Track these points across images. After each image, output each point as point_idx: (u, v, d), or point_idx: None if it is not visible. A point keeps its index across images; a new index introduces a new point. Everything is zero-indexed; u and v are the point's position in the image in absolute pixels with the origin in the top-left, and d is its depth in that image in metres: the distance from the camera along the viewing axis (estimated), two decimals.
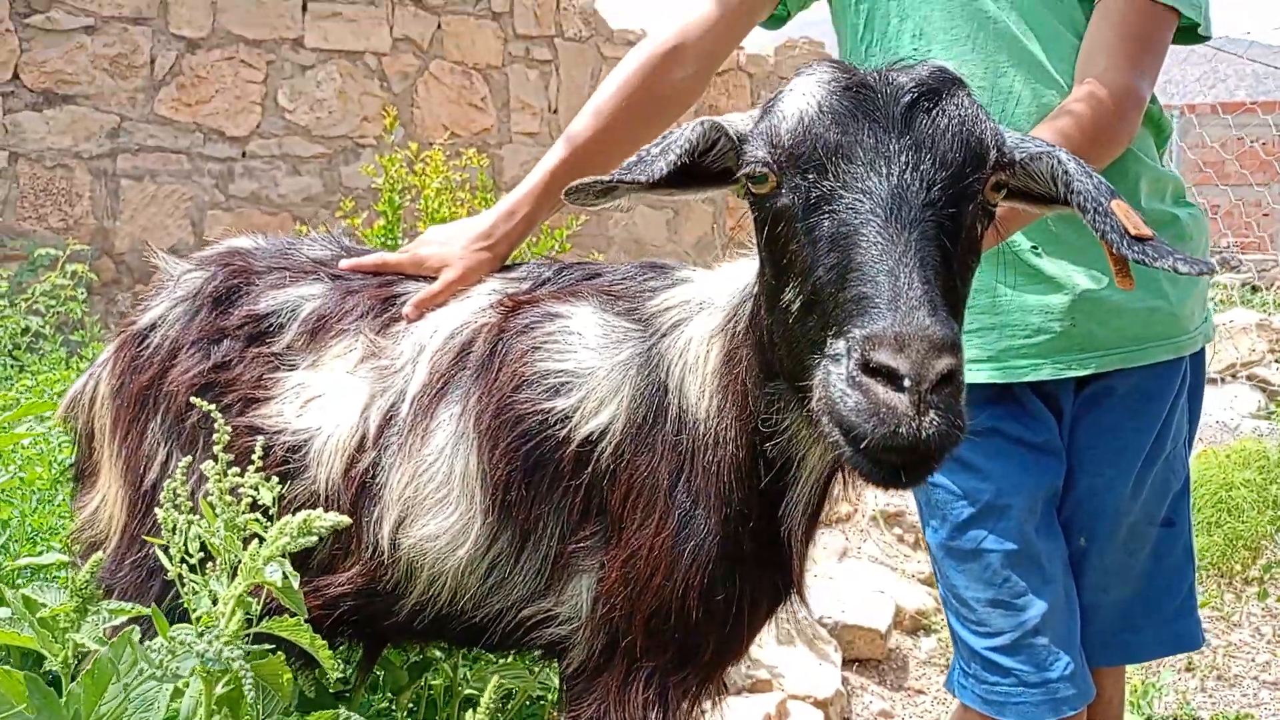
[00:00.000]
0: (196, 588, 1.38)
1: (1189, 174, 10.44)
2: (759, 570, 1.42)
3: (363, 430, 1.54)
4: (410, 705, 2.06)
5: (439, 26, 7.00)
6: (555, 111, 7.39)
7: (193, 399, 1.41)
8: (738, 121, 1.27)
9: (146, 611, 1.45)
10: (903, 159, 1.10)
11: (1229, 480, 4.06)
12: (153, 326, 1.71)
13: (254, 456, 1.41)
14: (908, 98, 1.13)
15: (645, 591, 1.40)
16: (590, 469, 1.44)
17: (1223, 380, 6.36)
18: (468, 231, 1.69)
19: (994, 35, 1.67)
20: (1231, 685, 3.22)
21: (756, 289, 1.30)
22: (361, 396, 1.56)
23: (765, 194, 1.17)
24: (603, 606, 1.45)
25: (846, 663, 3.28)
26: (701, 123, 1.25)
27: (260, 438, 1.47)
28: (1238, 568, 3.88)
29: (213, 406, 1.39)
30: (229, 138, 6.39)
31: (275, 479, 1.41)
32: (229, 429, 1.40)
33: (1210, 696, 3.16)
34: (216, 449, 1.37)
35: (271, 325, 1.66)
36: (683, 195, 1.33)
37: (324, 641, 1.35)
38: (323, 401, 1.58)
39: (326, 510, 1.46)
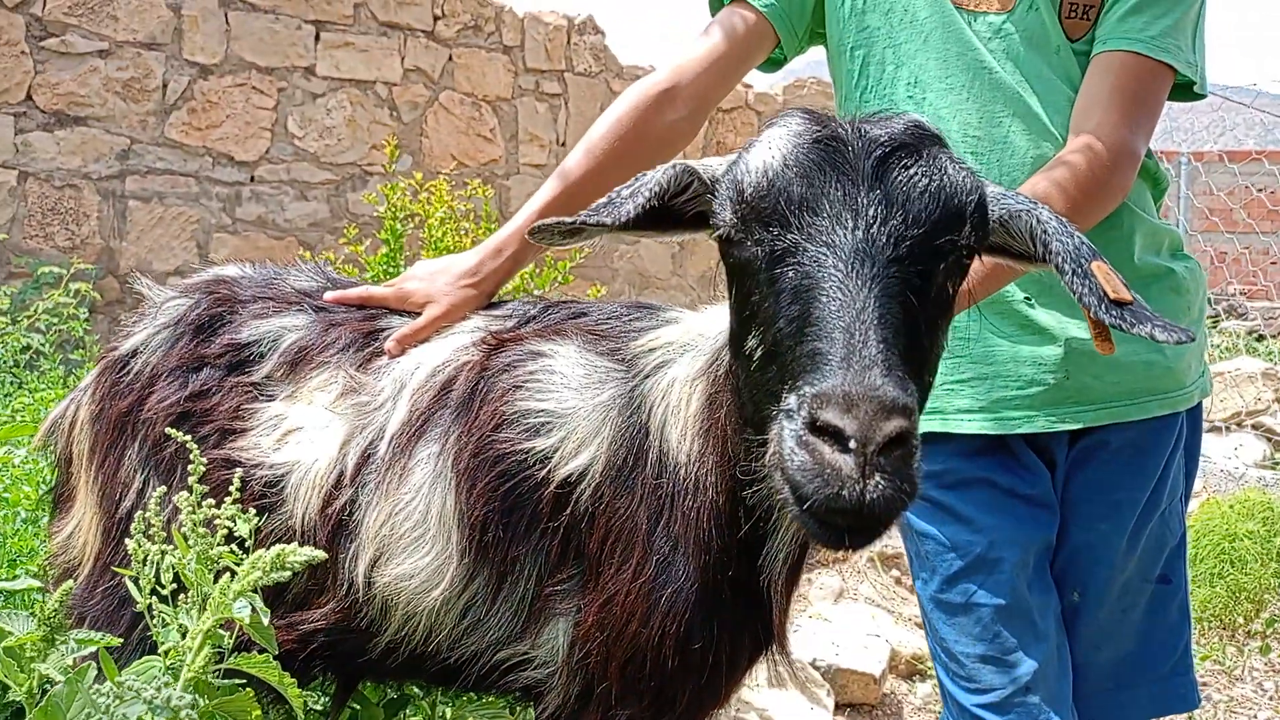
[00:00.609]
0: (166, 620, 1.35)
1: (1196, 221, 10.44)
2: (738, 620, 1.39)
3: (340, 467, 1.52)
4: None
5: (450, 58, 7.07)
6: (563, 144, 7.43)
7: (169, 430, 1.39)
8: (714, 165, 1.26)
9: (116, 642, 1.43)
10: (870, 213, 1.08)
11: (1232, 531, 4.01)
12: (134, 353, 1.70)
13: (232, 489, 1.40)
14: (880, 151, 1.11)
15: (621, 638, 1.37)
16: (569, 511, 1.42)
17: (1227, 429, 6.31)
18: (454, 268, 1.67)
19: (990, 85, 1.67)
20: (1200, 702, 3.16)
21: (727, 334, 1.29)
22: (340, 433, 1.54)
23: (731, 244, 1.16)
24: (579, 651, 1.42)
25: (839, 707, 3.23)
26: (673, 166, 1.24)
27: (238, 470, 1.45)
28: (1240, 620, 3.82)
29: (188, 438, 1.37)
30: (238, 162, 6.44)
31: (253, 512, 1.39)
32: (205, 460, 1.39)
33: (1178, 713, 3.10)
34: (191, 480, 1.35)
35: (252, 355, 1.64)
36: (658, 237, 1.32)
37: (292, 680, 1.32)
38: (300, 435, 1.56)
39: (303, 546, 1.44)
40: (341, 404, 1.57)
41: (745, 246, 1.14)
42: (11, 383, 4.48)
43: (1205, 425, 7.28)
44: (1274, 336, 9.38)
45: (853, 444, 0.94)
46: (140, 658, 1.64)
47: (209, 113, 6.26)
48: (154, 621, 1.34)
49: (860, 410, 0.94)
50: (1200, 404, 1.83)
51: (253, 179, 6.59)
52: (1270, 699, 3.38)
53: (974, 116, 1.67)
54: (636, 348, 1.49)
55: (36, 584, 1.69)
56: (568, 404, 1.45)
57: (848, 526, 0.98)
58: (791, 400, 1.02)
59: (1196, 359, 1.80)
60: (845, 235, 1.06)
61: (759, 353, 1.12)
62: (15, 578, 1.95)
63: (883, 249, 1.06)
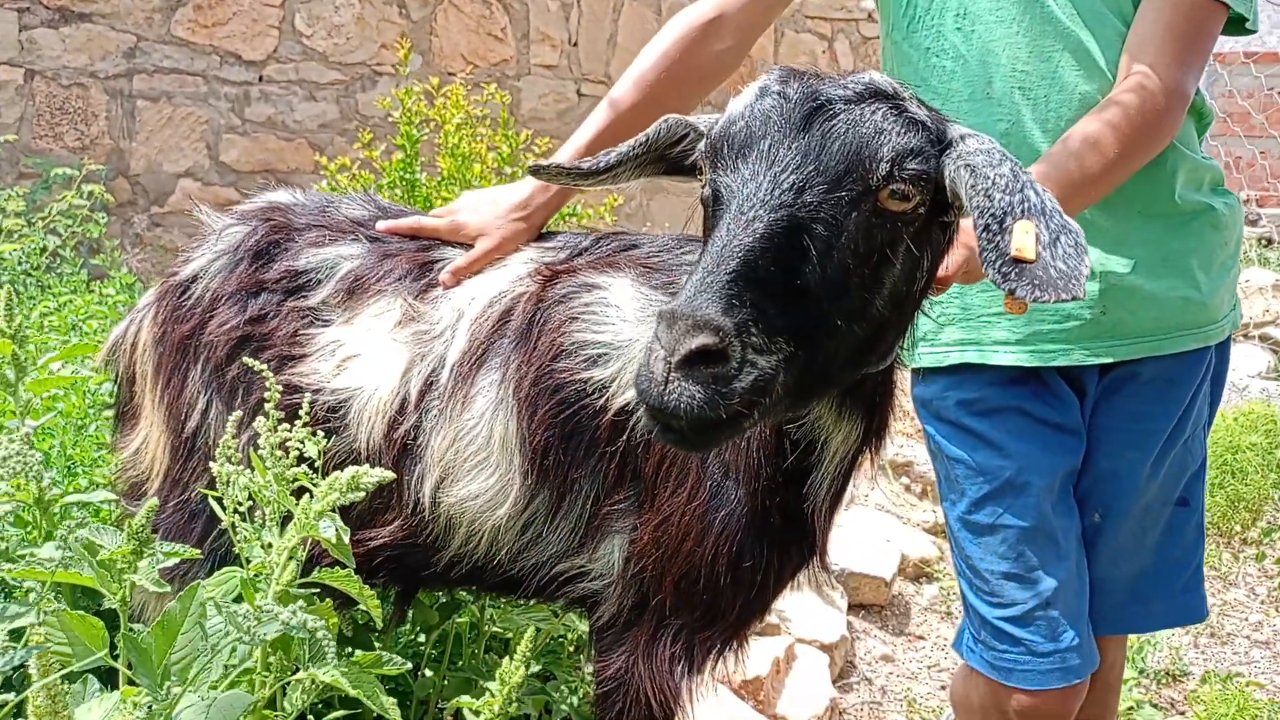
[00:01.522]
0: (248, 536, 1.44)
1: (1214, 124, 10.28)
2: (785, 540, 1.48)
3: (404, 393, 1.59)
4: (437, 641, 2.15)
5: None
6: (575, 45, 7.28)
7: (246, 359, 1.45)
8: (711, 118, 1.32)
9: (198, 554, 1.53)
10: (784, 162, 1.15)
11: (1235, 443, 4.12)
12: (194, 278, 1.75)
13: (301, 413, 1.47)
14: (811, 105, 1.17)
15: (676, 555, 1.47)
16: (625, 437, 1.49)
17: (1234, 340, 6.38)
18: (503, 201, 1.71)
19: (1041, 18, 1.67)
20: (1223, 643, 3.32)
21: None
22: (401, 360, 1.60)
23: (700, 184, 1.26)
24: (634, 566, 1.51)
25: (851, 608, 3.39)
26: (665, 120, 1.34)
27: (304, 395, 1.52)
28: (1238, 529, 3.96)
29: (264, 366, 1.43)
30: (245, 61, 6.33)
31: (321, 435, 1.47)
32: (267, 381, 1.45)
33: (1202, 653, 3.26)
34: (268, 406, 1.42)
35: (309, 281, 1.70)
36: (676, 180, 1.42)
37: (370, 591, 1.42)
38: (361, 362, 1.63)
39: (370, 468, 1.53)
40: (400, 332, 1.62)
41: (704, 188, 1.24)
42: (35, 285, 4.51)
43: None
44: None
45: (661, 353, 1.06)
46: (209, 567, 1.76)
47: (215, 9, 6.13)
48: (237, 538, 1.43)
49: (676, 327, 1.06)
50: (1230, 336, 1.89)
51: (261, 79, 6.49)
52: (1261, 603, 3.54)
53: (1024, 50, 1.68)
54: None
55: (111, 496, 1.77)
56: (624, 336, 1.51)
57: (658, 423, 1.10)
58: None
59: (1229, 293, 1.84)
60: (754, 182, 1.15)
61: None
62: (83, 489, 2.05)
63: (779, 195, 1.14)
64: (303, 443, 1.47)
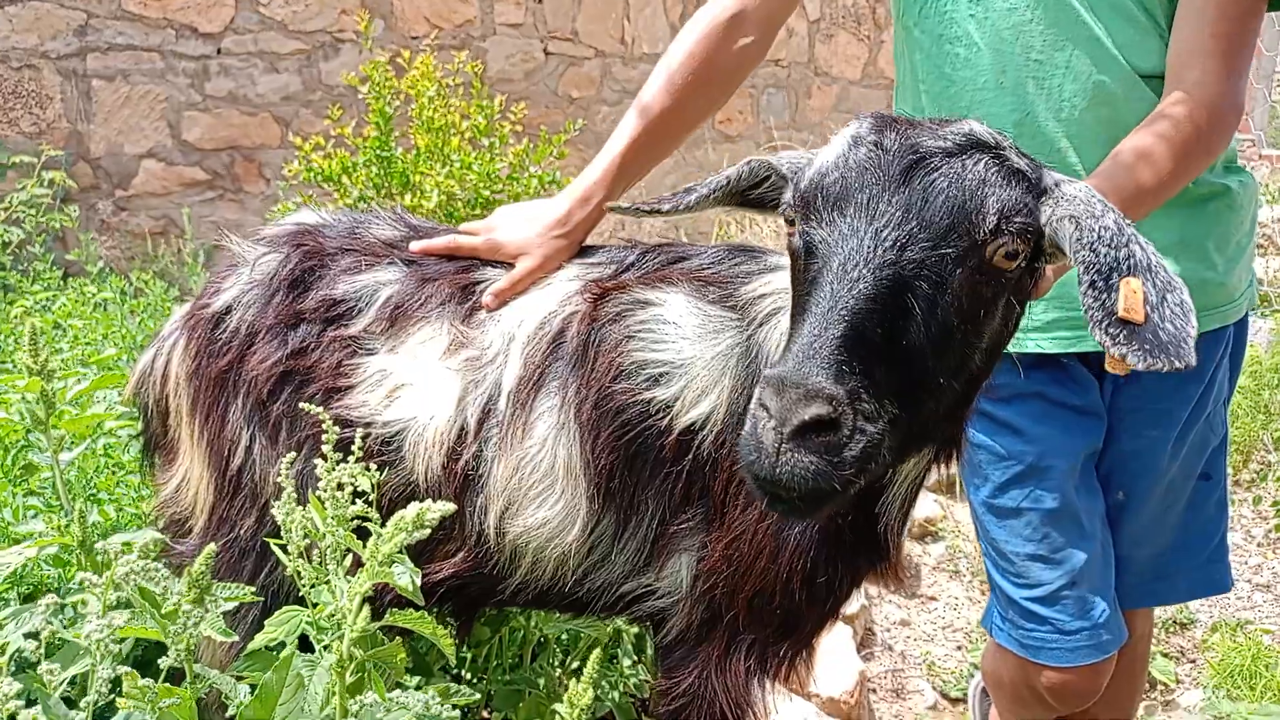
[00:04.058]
0: (314, 579, 1.42)
1: None
2: (857, 554, 1.48)
3: (461, 423, 1.55)
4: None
5: None
6: (540, 1, 7.11)
7: (304, 405, 1.41)
8: (799, 159, 1.31)
9: (258, 598, 1.50)
10: (885, 218, 1.12)
11: None
12: (228, 310, 1.69)
13: (354, 448, 1.43)
14: (911, 158, 1.14)
15: (749, 573, 1.46)
16: (691, 456, 1.47)
17: None
18: (543, 217, 1.67)
19: (1056, 6, 1.64)
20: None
21: None
22: (454, 389, 1.57)
23: (789, 234, 1.23)
24: (704, 584, 1.51)
25: None
26: (748, 162, 1.34)
27: (357, 430, 1.49)
28: (1230, 471, 4.05)
29: (320, 410, 1.39)
30: (202, 34, 6.11)
31: (374, 468, 1.43)
32: (320, 420, 1.42)
33: (1207, 600, 3.35)
34: (325, 448, 1.38)
35: (349, 310, 1.64)
36: (745, 213, 1.44)
37: (445, 631, 1.40)
38: (412, 392, 1.59)
39: (427, 499, 1.50)
40: (451, 359, 1.58)
41: (793, 237, 1.21)
42: None
43: None
44: (1249, 166, 9.44)
45: (772, 423, 1.04)
46: (264, 604, 1.73)
47: None
48: (302, 584, 1.40)
49: (786, 394, 1.04)
50: (1247, 314, 1.90)
51: (219, 51, 6.28)
52: (1259, 545, 3.64)
53: (1038, 39, 1.65)
54: (746, 294, 1.51)
55: (159, 536, 1.73)
56: (685, 354, 1.49)
57: (767, 493, 1.09)
58: None
59: (1246, 271, 1.85)
60: (856, 239, 1.12)
61: (788, 333, 1.23)
62: (110, 517, 2.00)
63: (883, 253, 1.11)
64: (356, 479, 1.44)
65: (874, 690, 2.95)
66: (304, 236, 1.72)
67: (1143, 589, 1.96)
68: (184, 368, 1.72)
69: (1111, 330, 1.11)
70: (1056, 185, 1.21)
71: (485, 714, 2.20)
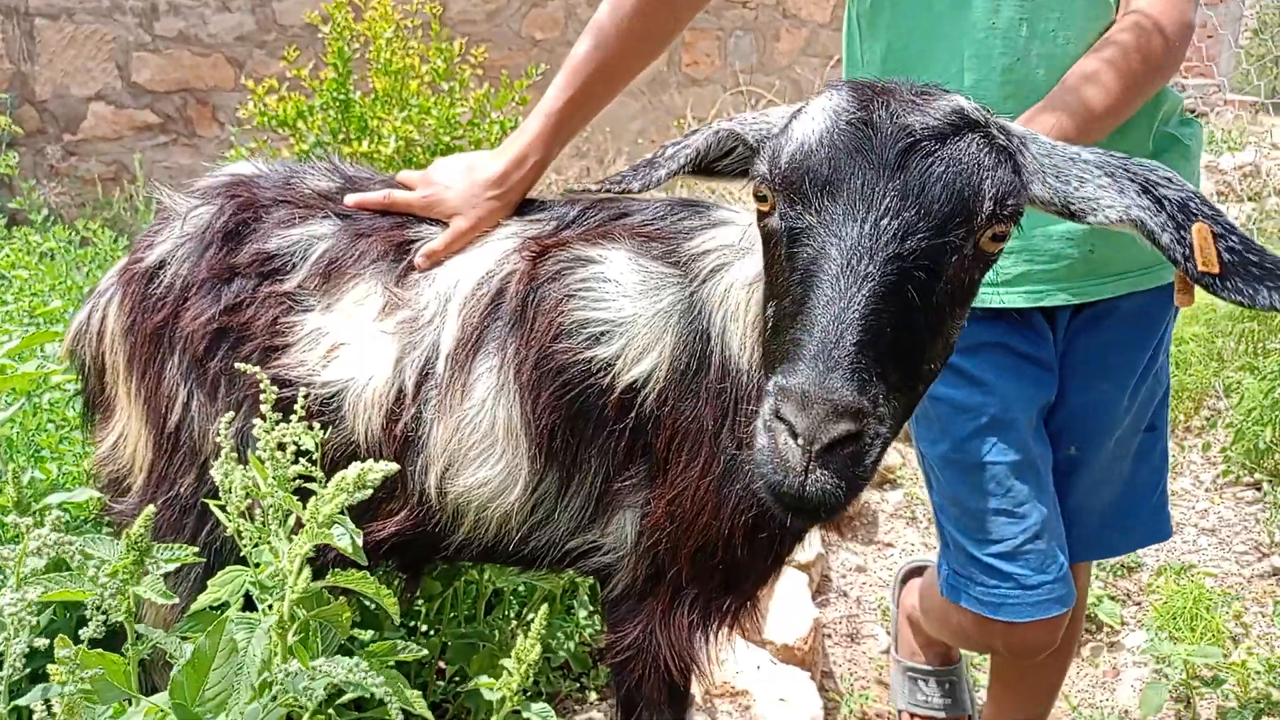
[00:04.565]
0: (255, 539, 1.40)
1: None
2: None
3: (399, 385, 1.53)
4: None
5: None
6: None
7: (241, 366, 1.38)
8: (760, 126, 1.26)
9: (199, 558, 1.49)
10: (883, 205, 1.08)
11: (1179, 335, 4.24)
12: (161, 264, 1.65)
13: (296, 407, 1.41)
14: (906, 141, 1.09)
15: (692, 529, 1.46)
16: (634, 414, 1.47)
17: None
18: (478, 175, 1.63)
19: None
20: (1174, 533, 3.49)
21: None
22: (392, 351, 1.55)
23: (764, 211, 1.18)
24: (648, 539, 1.51)
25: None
26: (715, 132, 1.27)
27: (296, 390, 1.46)
28: (1181, 418, 4.11)
29: (258, 370, 1.37)
30: None
31: (318, 427, 1.42)
32: (255, 380, 1.39)
33: (1155, 544, 3.43)
34: (264, 407, 1.36)
35: (283, 265, 1.61)
36: (707, 182, 1.37)
37: (389, 592, 1.39)
38: (349, 352, 1.56)
39: (368, 459, 1.49)
40: (386, 321, 1.56)
41: (771, 217, 1.16)
42: None
43: None
44: (1211, 111, 9.44)
45: (800, 440, 1.01)
46: (207, 562, 1.72)
47: None
48: (244, 544, 1.39)
49: (813, 410, 1.01)
50: None
51: None
52: (1206, 490, 3.71)
53: None
54: (689, 250, 1.49)
55: (95, 494, 1.71)
56: (626, 312, 1.47)
57: (790, 508, 1.07)
58: (770, 382, 1.08)
59: None
60: (853, 228, 1.08)
61: (771, 321, 1.17)
62: (52, 475, 1.97)
63: (886, 244, 1.07)
64: (299, 439, 1.42)
65: (829, 635, 3.00)
66: (238, 188, 1.68)
67: (1092, 542, 1.98)
68: (119, 324, 1.69)
69: (1208, 280, 1.14)
70: (1023, 146, 1.20)
71: (441, 666, 2.22)
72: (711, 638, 1.57)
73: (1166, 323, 1.88)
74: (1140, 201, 1.18)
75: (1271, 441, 3.56)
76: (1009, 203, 1.13)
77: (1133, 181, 1.20)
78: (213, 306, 1.60)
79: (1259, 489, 3.58)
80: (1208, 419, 4.07)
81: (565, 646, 2.33)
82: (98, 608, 1.11)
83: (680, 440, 1.46)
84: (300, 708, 1.15)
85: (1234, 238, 1.16)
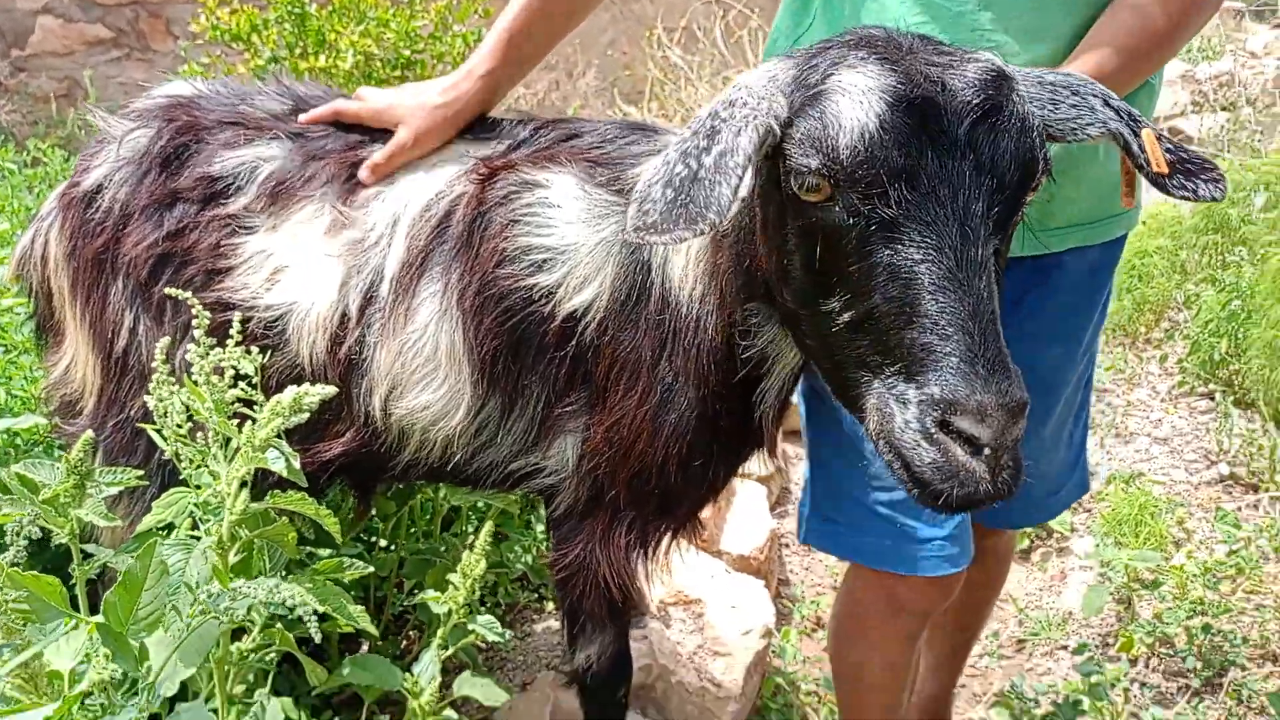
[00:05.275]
0: (194, 462, 1.41)
1: None
2: (734, 438, 1.51)
3: (343, 308, 1.53)
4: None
5: None
6: None
7: (171, 291, 1.37)
8: (767, 105, 1.14)
9: (142, 482, 1.50)
10: (965, 186, 1.05)
11: (1144, 248, 4.26)
12: (98, 189, 1.62)
13: (233, 332, 1.41)
14: (972, 117, 1.07)
15: (628, 455, 1.49)
16: (574, 342, 1.47)
17: None
18: (427, 90, 1.60)
19: None
20: (1127, 442, 3.56)
21: (763, 248, 1.26)
22: (337, 272, 1.54)
23: (813, 203, 1.11)
24: (587, 463, 1.53)
25: (784, 435, 3.52)
26: (754, 127, 1.10)
27: (238, 313, 1.46)
28: (1142, 329, 4.16)
29: (189, 295, 1.36)
30: None
31: (256, 351, 1.42)
32: (198, 304, 1.38)
33: (1108, 454, 3.50)
34: (197, 333, 1.36)
35: (227, 187, 1.59)
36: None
37: (329, 512, 1.41)
38: (293, 274, 1.55)
39: (313, 382, 1.49)
40: (332, 242, 1.54)
41: (830, 211, 1.09)
42: None
43: None
44: None
45: (986, 451, 1.02)
46: (159, 482, 1.73)
47: None
48: (182, 465, 1.40)
49: (993, 420, 1.01)
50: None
51: None
52: (1161, 401, 3.78)
53: None
54: (634, 177, 1.47)
55: (41, 420, 1.71)
56: (569, 239, 1.46)
57: (974, 508, 1.07)
58: (910, 392, 1.05)
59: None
60: (947, 218, 1.04)
61: (843, 317, 1.12)
62: (17, 410, 1.97)
63: (980, 227, 1.05)
64: (237, 364, 1.42)
65: (786, 545, 3.07)
66: (176, 110, 1.64)
67: (1033, 507, 1.91)
68: (61, 249, 1.67)
69: (1160, 180, 1.17)
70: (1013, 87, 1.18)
71: (401, 579, 2.27)
72: (648, 557, 1.60)
73: (1110, 278, 1.78)
74: (1109, 114, 1.19)
75: (1226, 353, 3.61)
76: (1048, 155, 1.13)
77: (1095, 96, 1.20)
78: (155, 232, 1.58)
79: (1212, 399, 3.65)
80: (1167, 331, 4.12)
81: (523, 560, 2.38)
82: (17, 533, 1.13)
83: (619, 369, 1.47)
84: (233, 625, 1.18)
85: (1168, 141, 1.20)
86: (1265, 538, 2.82)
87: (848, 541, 1.73)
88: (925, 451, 1.04)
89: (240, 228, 1.58)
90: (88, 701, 1.20)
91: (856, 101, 1.07)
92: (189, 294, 1.36)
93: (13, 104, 5.57)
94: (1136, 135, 1.18)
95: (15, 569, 1.18)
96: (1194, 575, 2.61)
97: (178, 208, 1.58)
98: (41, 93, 5.72)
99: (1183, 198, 1.16)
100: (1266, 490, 3.13)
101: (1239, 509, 3.09)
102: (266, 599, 1.10)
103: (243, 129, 1.61)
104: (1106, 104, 1.20)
